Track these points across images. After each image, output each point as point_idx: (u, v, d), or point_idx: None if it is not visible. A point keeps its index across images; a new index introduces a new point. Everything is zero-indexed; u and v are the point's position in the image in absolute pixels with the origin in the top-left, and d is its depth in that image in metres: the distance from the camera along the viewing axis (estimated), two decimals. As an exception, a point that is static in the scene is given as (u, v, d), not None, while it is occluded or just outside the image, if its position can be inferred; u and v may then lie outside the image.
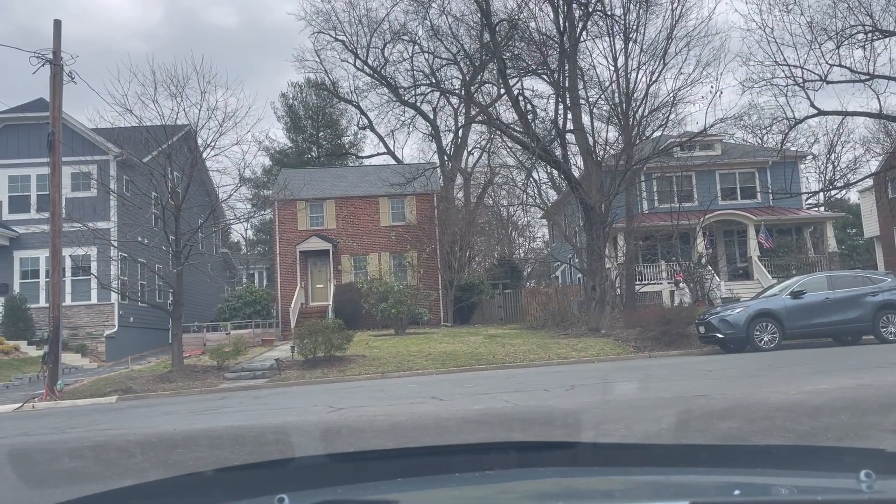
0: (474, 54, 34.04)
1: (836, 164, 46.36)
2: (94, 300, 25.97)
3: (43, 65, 17.17)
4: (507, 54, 25.75)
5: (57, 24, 17.69)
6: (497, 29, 24.80)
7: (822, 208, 39.43)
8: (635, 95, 24.27)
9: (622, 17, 23.88)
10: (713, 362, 14.67)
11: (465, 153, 41.58)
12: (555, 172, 28.88)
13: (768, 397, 8.70)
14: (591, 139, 24.75)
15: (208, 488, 1.96)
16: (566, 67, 23.78)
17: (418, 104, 41.81)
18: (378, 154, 48.77)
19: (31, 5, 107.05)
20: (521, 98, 24.77)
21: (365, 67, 41.86)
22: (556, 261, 38.12)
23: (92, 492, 1.98)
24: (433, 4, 30.77)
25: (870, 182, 33.12)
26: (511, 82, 26.65)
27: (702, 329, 17.88)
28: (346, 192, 33.39)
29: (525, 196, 34.39)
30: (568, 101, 23.77)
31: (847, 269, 25.96)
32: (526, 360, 17.69)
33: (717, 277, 28.00)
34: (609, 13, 24.12)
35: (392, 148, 47.01)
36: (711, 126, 24.86)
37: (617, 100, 24.86)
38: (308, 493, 1.83)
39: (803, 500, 1.71)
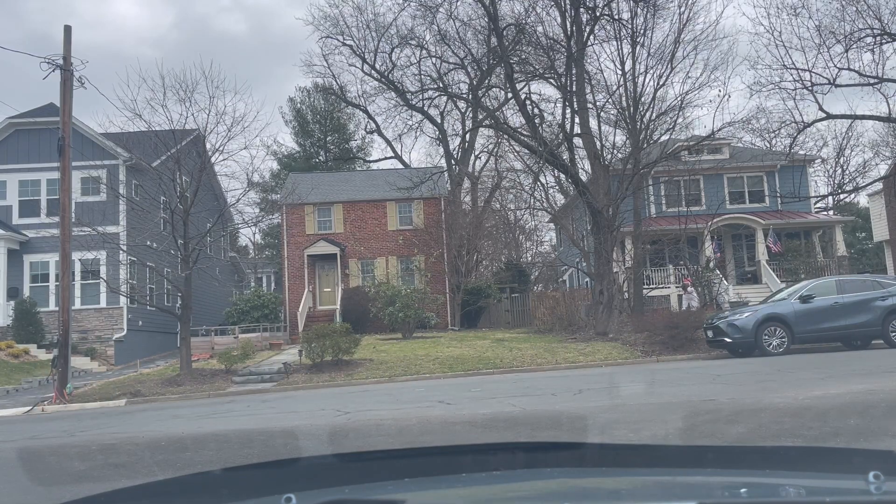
0: (482, 58, 34.04)
1: (844, 167, 46.20)
2: (103, 304, 26.08)
3: (53, 70, 17.29)
4: (515, 58, 25.77)
5: (67, 30, 17.81)
6: (504, 33, 24.82)
7: (831, 212, 39.23)
8: (643, 99, 24.24)
9: (629, 22, 23.87)
10: (721, 367, 14.61)
11: (473, 157, 41.60)
12: (562, 176, 28.82)
13: (777, 402, 8.66)
14: (598, 143, 24.73)
15: (216, 488, 1.97)
16: (573, 71, 23.77)
17: (426, 108, 41.86)
18: (385, 158, 48.87)
19: (46, 12, 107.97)
20: (528, 102, 24.79)
21: (372, 72, 41.97)
22: (563, 265, 38.05)
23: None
24: (440, 9, 30.76)
25: (879, 186, 32.93)
26: (518, 86, 26.70)
27: (710, 333, 17.81)
28: (354, 197, 33.46)
29: (532, 200, 34.35)
30: (575, 105, 23.76)
31: (856, 274, 25.81)
32: (534, 364, 17.66)
33: (725, 281, 27.89)
34: (616, 17, 24.12)
35: (399, 152, 47.12)
36: (719, 130, 24.79)
37: (624, 104, 24.83)
38: (315, 492, 1.83)
39: (811, 502, 1.70)
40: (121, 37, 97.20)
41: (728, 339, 17.16)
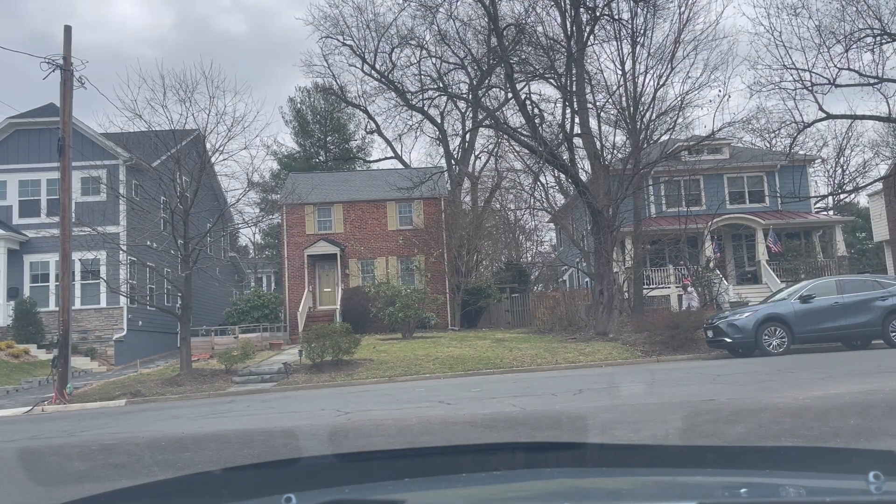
0: (482, 58, 34.03)
1: (845, 167, 46.19)
2: (103, 304, 26.08)
3: (53, 70, 17.29)
4: (515, 58, 25.76)
5: (67, 30, 17.81)
6: (504, 33, 24.81)
7: (831, 212, 39.24)
8: (643, 99, 24.25)
9: (629, 22, 23.89)
10: (721, 367, 14.60)
11: (473, 157, 41.59)
12: (562, 176, 28.83)
13: (777, 402, 8.66)
14: (598, 143, 24.73)
15: (216, 488, 1.97)
16: (573, 71, 23.77)
17: (426, 108, 41.84)
18: (385, 158, 48.86)
19: (46, 12, 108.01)
20: (528, 102, 24.77)
21: (372, 72, 41.95)
22: (563, 265, 38.04)
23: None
24: (440, 9, 30.77)
25: (879, 186, 32.94)
26: (518, 86, 26.69)
27: (710, 333, 17.81)
28: (354, 197, 33.46)
29: (532, 200, 34.36)
30: (575, 105, 23.76)
31: (856, 274, 25.81)
32: (534, 364, 17.65)
33: (725, 281, 27.89)
34: (616, 17, 24.13)
35: (399, 152, 47.11)
36: (719, 130, 24.80)
37: (624, 104, 24.83)
38: (315, 492, 1.83)
39: (811, 502, 1.70)
40: (121, 37, 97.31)
41: (728, 339, 17.16)
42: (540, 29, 25.36)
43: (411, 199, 31.55)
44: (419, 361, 18.35)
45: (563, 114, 24.06)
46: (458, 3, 37.21)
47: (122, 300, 25.33)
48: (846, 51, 21.96)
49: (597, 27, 24.36)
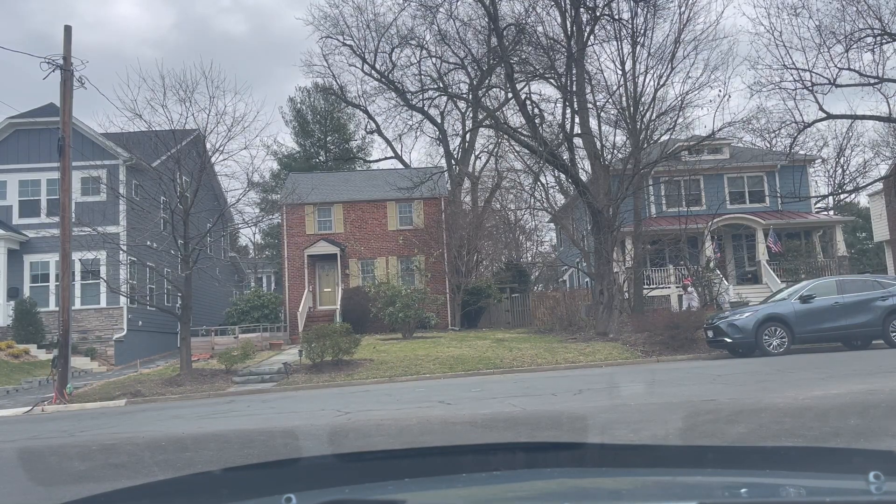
0: (482, 58, 34.05)
1: (845, 167, 46.17)
2: (103, 304, 26.08)
3: (53, 70, 17.29)
4: (515, 58, 25.77)
5: (67, 30, 17.81)
6: (504, 33, 24.82)
7: (831, 212, 39.23)
8: (643, 99, 24.24)
9: (630, 22, 23.88)
10: (722, 367, 14.60)
11: (473, 157, 41.57)
12: (562, 176, 28.84)
13: (777, 402, 8.66)
14: (598, 143, 24.72)
15: (216, 488, 1.97)
16: (573, 71, 23.77)
17: (426, 108, 41.85)
18: (386, 158, 48.85)
19: (46, 12, 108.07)
20: (528, 102, 24.79)
21: (372, 72, 41.95)
22: (563, 265, 38.04)
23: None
24: (440, 9, 30.81)
25: (879, 186, 32.94)
26: (518, 86, 26.70)
27: (710, 333, 17.81)
28: (354, 197, 33.47)
29: (532, 200, 34.34)
30: (575, 105, 23.76)
31: (857, 274, 25.80)
32: (534, 364, 17.66)
33: (725, 281, 27.89)
34: (616, 17, 24.13)
35: (399, 152, 47.10)
36: (720, 130, 24.79)
37: (625, 104, 24.82)
38: (315, 492, 1.83)
39: (811, 502, 1.70)
40: (121, 37, 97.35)
41: (728, 339, 17.15)
42: (540, 29, 25.39)
43: (411, 199, 31.56)
44: (419, 361, 18.35)
45: (563, 114, 24.07)
46: (458, 3, 37.18)
47: (122, 300, 25.33)
48: (846, 51, 21.98)
49: (597, 27, 24.37)
